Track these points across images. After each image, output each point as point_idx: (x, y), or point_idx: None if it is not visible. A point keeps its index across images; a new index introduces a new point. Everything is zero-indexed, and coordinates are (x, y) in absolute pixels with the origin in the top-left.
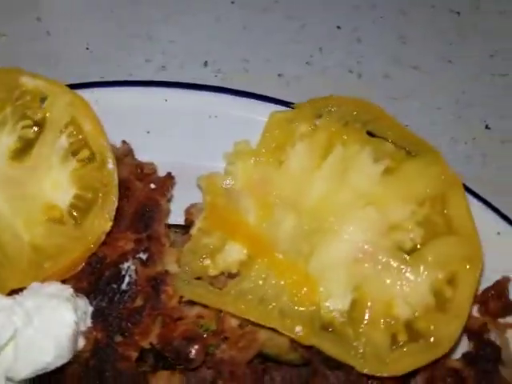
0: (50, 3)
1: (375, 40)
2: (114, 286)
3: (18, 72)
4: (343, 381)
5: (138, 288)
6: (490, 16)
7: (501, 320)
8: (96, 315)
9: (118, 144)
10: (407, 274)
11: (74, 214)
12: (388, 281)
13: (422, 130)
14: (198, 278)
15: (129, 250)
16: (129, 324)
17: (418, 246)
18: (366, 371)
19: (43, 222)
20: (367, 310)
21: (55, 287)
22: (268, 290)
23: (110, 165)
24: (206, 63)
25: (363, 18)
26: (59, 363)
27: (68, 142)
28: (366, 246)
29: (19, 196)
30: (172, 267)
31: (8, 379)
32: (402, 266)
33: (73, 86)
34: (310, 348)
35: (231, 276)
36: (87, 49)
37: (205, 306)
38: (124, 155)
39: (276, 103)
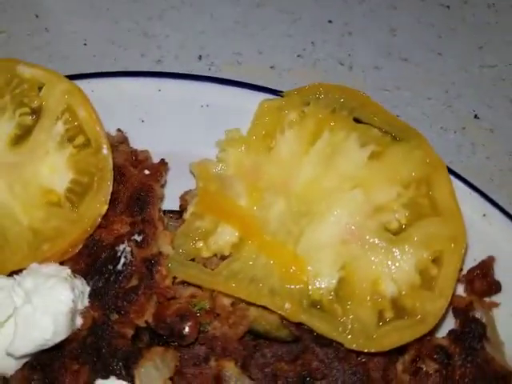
0: (47, 0)
1: (366, 33)
2: (110, 267)
3: (15, 62)
4: (332, 357)
5: (133, 269)
6: (478, 9)
7: (486, 299)
8: (93, 295)
9: (114, 133)
10: (393, 254)
11: (71, 197)
12: (375, 260)
13: (413, 120)
14: (192, 260)
15: (124, 233)
16: (124, 303)
17: (404, 227)
18: (353, 347)
19: (41, 205)
20: (354, 288)
21: (53, 268)
22: (258, 270)
23: (105, 150)
24: (200, 57)
25: (354, 12)
26: (57, 340)
27: (64, 129)
28: (352, 227)
29: (18, 181)
30: (166, 249)
31: (8, 355)
32: (389, 246)
33: (70, 77)
34: (299, 325)
35: (223, 258)
36: (85, 44)
37: (198, 287)
38: (119, 142)
39: (266, 92)
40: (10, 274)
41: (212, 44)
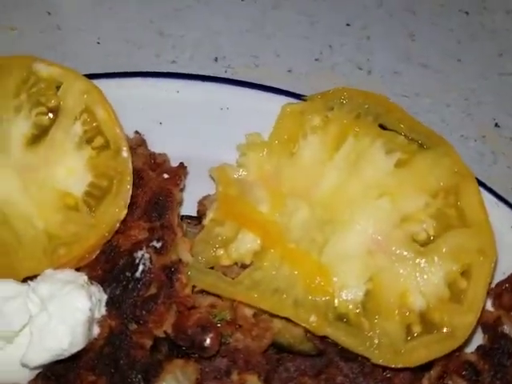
0: None
1: (384, 37)
2: (128, 274)
3: (32, 59)
4: (357, 372)
5: (151, 276)
6: (497, 16)
7: None
8: (110, 303)
9: (131, 135)
10: (421, 266)
11: (89, 201)
12: (402, 272)
13: (433, 127)
14: (211, 268)
15: (142, 239)
16: (143, 312)
17: (432, 238)
18: (380, 362)
19: (58, 209)
20: (382, 301)
21: (69, 274)
22: (281, 280)
23: (125, 153)
24: (216, 59)
25: (372, 16)
26: (74, 350)
27: (82, 130)
28: (379, 237)
29: (33, 183)
30: (185, 256)
31: (23, 365)
32: (416, 258)
33: (87, 76)
34: (324, 338)
35: (244, 266)
36: (98, 43)
37: (218, 296)
38: (137, 145)
39: (287, 95)
40: (24, 280)
41: (228, 45)
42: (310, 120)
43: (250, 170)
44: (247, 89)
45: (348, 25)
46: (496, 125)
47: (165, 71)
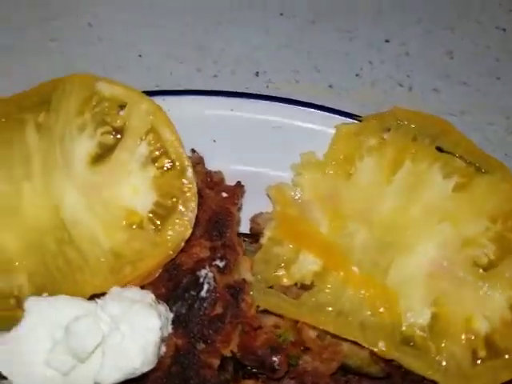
0: (101, 9)
1: (423, 54)
2: (193, 292)
3: (94, 79)
4: None
5: (217, 295)
6: None
7: None
8: (176, 322)
9: (188, 153)
10: (484, 290)
11: (154, 220)
12: (466, 296)
13: None
14: (270, 287)
15: (205, 258)
16: (210, 331)
17: (493, 262)
18: None
19: (123, 227)
20: (448, 325)
21: (136, 292)
22: (346, 303)
23: (190, 173)
24: (257, 73)
25: (411, 33)
26: (145, 369)
27: (148, 150)
28: (441, 261)
29: (98, 201)
30: (248, 276)
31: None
32: (479, 282)
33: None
34: (390, 361)
35: (303, 287)
36: (140, 56)
37: (279, 316)
38: (195, 163)
39: (341, 115)
40: (91, 298)
41: (268, 60)
42: (366, 141)
43: (306, 190)
44: (300, 107)
45: (387, 41)
46: None
47: (206, 89)
